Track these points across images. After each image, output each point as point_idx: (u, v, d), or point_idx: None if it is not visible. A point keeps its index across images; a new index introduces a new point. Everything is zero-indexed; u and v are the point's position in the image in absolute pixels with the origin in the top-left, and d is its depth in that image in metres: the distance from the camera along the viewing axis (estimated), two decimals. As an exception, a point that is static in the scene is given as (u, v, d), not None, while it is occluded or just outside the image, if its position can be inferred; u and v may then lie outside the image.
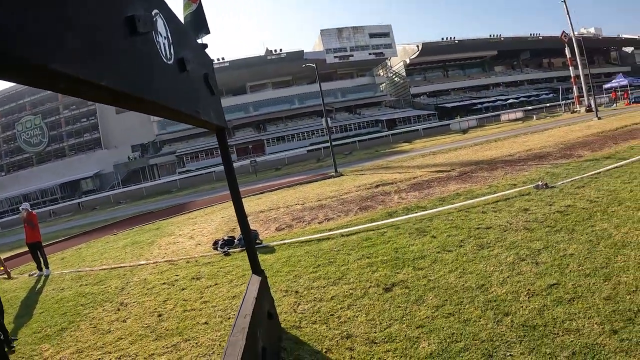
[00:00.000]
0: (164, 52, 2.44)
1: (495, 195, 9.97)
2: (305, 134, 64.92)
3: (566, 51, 50.38)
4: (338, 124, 67.50)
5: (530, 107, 63.95)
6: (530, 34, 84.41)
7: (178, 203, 27.32)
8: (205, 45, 4.25)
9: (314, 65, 28.52)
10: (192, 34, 4.05)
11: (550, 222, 7.06)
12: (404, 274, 5.93)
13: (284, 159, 51.83)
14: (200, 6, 4.40)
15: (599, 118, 31.75)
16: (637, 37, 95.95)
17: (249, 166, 45.08)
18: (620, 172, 10.27)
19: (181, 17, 4.02)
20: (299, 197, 16.73)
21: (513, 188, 10.41)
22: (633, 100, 50.75)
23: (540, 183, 9.99)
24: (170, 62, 2.56)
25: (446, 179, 14.51)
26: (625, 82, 53.20)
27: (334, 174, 24.13)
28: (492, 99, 75.92)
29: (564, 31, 50.98)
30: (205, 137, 65.96)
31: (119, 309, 6.86)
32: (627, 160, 11.55)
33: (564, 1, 45.55)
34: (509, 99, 74.54)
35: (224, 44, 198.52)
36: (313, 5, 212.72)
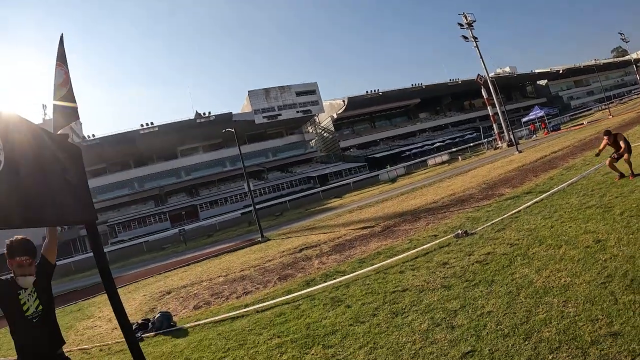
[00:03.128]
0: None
1: (415, 250, 9.47)
2: (239, 197, 63.85)
3: (483, 92, 52.86)
4: (270, 184, 67.31)
5: (454, 149, 66.03)
6: (450, 80, 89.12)
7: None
8: (66, 136, 3.64)
9: (233, 130, 28.22)
10: (63, 121, 3.70)
11: (469, 275, 6.56)
12: (313, 354, 5.20)
13: (216, 224, 50.41)
14: (70, 90, 3.81)
15: (520, 151, 33.01)
16: (549, 70, 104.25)
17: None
18: (540, 207, 10.20)
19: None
20: (223, 268, 15.94)
21: (434, 240, 9.98)
22: (551, 129, 53.64)
23: (460, 231, 9.61)
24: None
25: (369, 236, 14.16)
26: (541, 113, 56.16)
27: (260, 239, 23.69)
28: (420, 144, 78.36)
29: (479, 74, 53.74)
30: (137, 204, 64.05)
31: None
32: (547, 193, 11.59)
33: (477, 47, 48.28)
34: (435, 143, 77.10)
35: (154, 108, 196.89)
36: (241, 69, 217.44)
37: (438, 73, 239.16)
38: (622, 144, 10.67)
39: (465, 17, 49.55)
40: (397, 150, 76.89)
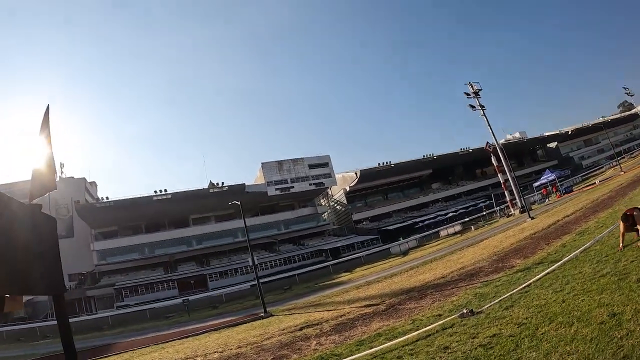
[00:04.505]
0: None
1: (417, 332, 8.73)
2: (249, 268, 62.51)
3: (492, 160, 52.67)
4: (281, 257, 66.22)
5: (467, 219, 64.91)
6: (461, 149, 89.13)
7: (103, 344, 25.86)
8: (39, 206, 3.48)
9: (239, 203, 28.06)
10: (39, 191, 3.61)
11: (471, 362, 5.85)
12: None
13: (222, 296, 49.54)
14: (51, 160, 3.67)
15: (532, 218, 32.25)
16: (558, 132, 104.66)
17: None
18: (552, 278, 9.58)
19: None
20: (220, 343, 15.29)
21: (438, 320, 9.28)
22: (563, 191, 52.80)
23: (465, 311, 8.89)
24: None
25: (372, 314, 13.49)
26: (552, 176, 55.61)
27: (263, 314, 23.29)
28: (432, 215, 77.24)
29: (487, 142, 53.87)
30: (146, 270, 63.08)
31: None
32: (559, 263, 10.99)
33: (484, 114, 48.62)
34: (448, 213, 75.99)
35: (168, 176, 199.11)
36: (256, 139, 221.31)
37: (450, 141, 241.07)
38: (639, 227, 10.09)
39: (472, 86, 50.33)
40: (410, 222, 75.72)
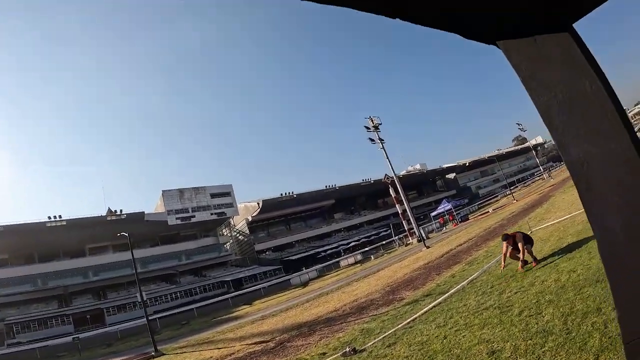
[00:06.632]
0: None
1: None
2: (149, 301, 58.84)
3: (391, 191, 54.05)
4: (182, 288, 63.33)
5: (368, 248, 66.03)
6: (363, 180, 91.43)
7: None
8: None
9: (127, 234, 26.20)
10: None
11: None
12: None
13: (117, 332, 45.48)
14: None
15: (428, 247, 33.37)
16: (456, 163, 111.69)
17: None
18: (436, 312, 9.38)
19: None
20: None
21: (322, 358, 8.68)
22: (459, 219, 55.31)
23: (348, 349, 8.43)
24: None
25: (260, 353, 12.85)
26: (449, 206, 58.16)
27: (154, 354, 21.64)
28: (335, 245, 78.08)
29: (386, 174, 55.31)
30: (39, 303, 56.92)
31: None
32: (446, 295, 10.98)
33: (383, 148, 49.77)
34: (350, 243, 77.17)
35: (62, 201, 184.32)
36: (157, 166, 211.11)
37: (352, 172, 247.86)
38: (520, 246, 10.62)
39: (372, 120, 51.51)
40: (312, 252, 75.74)
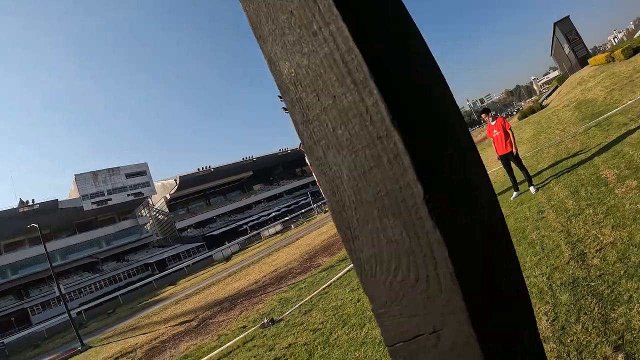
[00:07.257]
0: None
1: (220, 349, 8.41)
2: (74, 293, 56.41)
3: (306, 159, 54.84)
4: (106, 276, 61.36)
5: (287, 218, 66.87)
6: (280, 150, 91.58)
7: None
8: None
9: (37, 225, 25.09)
10: None
11: (263, 380, 5.77)
12: None
13: (43, 331, 43.26)
14: None
15: (345, 213, 34.12)
16: None
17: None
18: (351, 276, 9.70)
19: None
20: None
21: (242, 332, 9.06)
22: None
23: (266, 320, 8.74)
24: None
25: (184, 333, 12.92)
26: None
27: (80, 348, 21.27)
28: (256, 217, 78.19)
29: (300, 142, 55.88)
30: None
31: None
32: None
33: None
34: (271, 213, 77.58)
35: None
36: (68, 148, 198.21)
37: (271, 143, 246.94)
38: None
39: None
40: (234, 225, 75.61)
